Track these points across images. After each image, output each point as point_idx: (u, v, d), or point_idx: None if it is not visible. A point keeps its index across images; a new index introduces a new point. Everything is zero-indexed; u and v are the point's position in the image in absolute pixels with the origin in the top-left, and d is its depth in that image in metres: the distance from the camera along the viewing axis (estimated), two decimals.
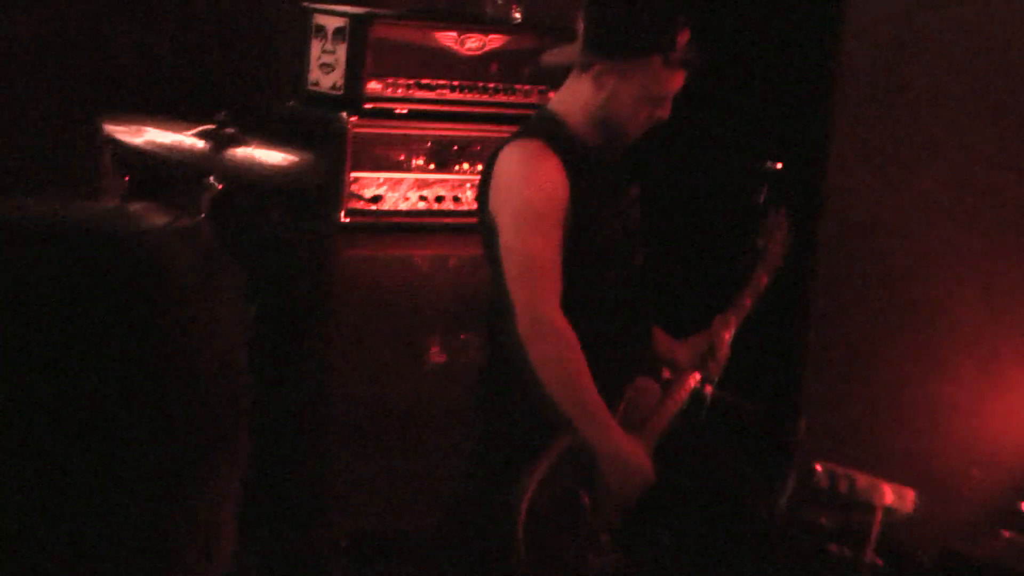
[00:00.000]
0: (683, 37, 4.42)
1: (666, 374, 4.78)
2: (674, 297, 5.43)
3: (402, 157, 5.75)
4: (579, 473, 4.42)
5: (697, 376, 4.75)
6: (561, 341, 4.29)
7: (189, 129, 4.91)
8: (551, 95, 4.99)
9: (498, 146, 4.55)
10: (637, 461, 4.39)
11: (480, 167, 5.54)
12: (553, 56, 4.87)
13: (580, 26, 4.55)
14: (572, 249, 4.42)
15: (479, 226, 4.61)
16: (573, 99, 4.53)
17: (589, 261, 4.51)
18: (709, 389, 5.11)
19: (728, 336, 4.76)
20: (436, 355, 5.82)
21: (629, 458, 4.38)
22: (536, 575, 4.45)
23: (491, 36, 5.93)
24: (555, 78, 5.60)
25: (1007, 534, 5.43)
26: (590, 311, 4.45)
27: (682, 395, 4.69)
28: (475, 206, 5.18)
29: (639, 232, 4.77)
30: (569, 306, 4.32)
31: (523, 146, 4.46)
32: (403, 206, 5.76)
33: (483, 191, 4.54)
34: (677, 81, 4.45)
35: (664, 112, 4.49)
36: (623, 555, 4.68)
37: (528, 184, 4.42)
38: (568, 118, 4.48)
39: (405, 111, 5.76)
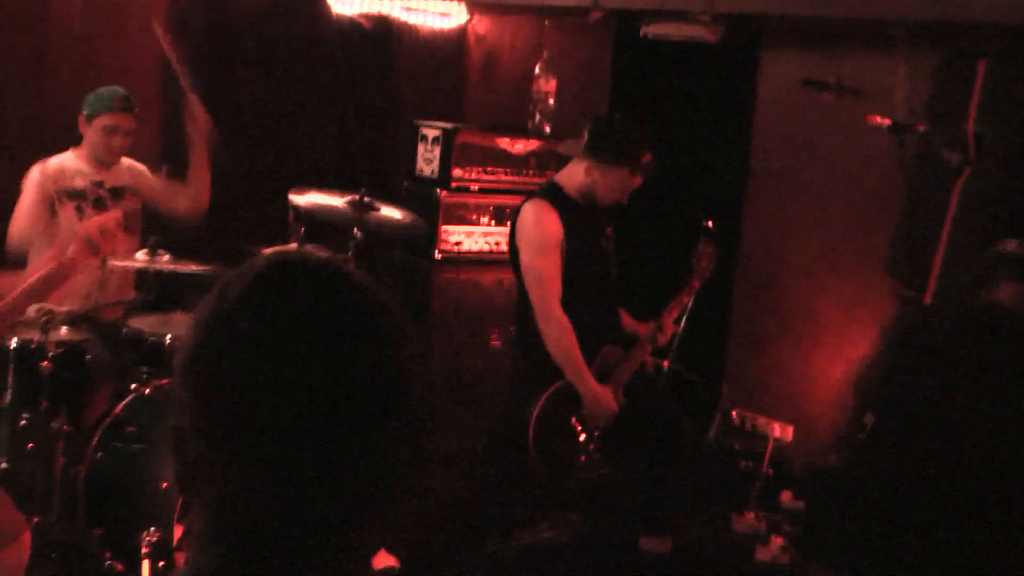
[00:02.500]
0: (645, 157, 5.25)
1: (641, 332, 5.50)
2: (637, 294, 5.81)
3: (474, 216, 6.76)
4: (571, 405, 5.23)
5: (648, 347, 5.52)
6: (560, 325, 5.15)
7: (342, 198, 5.58)
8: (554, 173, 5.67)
9: (521, 203, 5.38)
10: (605, 398, 5.23)
11: None
12: (564, 148, 5.56)
13: (583, 135, 5.31)
14: (568, 268, 5.24)
15: (509, 252, 5.42)
16: (570, 177, 5.34)
17: (578, 274, 5.28)
18: (667, 364, 6.00)
19: (671, 320, 5.54)
20: (494, 340, 6.78)
21: (599, 396, 5.22)
22: (541, 467, 5.29)
23: (531, 141, 6.89)
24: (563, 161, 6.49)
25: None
26: (579, 305, 5.25)
27: (638, 358, 5.47)
28: None
29: (612, 255, 5.53)
30: (566, 302, 5.19)
31: (535, 203, 5.28)
32: (475, 248, 6.78)
33: (512, 231, 5.37)
34: (636, 182, 5.29)
35: (624, 198, 5.34)
36: (602, 467, 5.53)
37: (537, 227, 5.23)
38: (565, 187, 5.32)
39: (476, 188, 6.76)
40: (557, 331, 5.18)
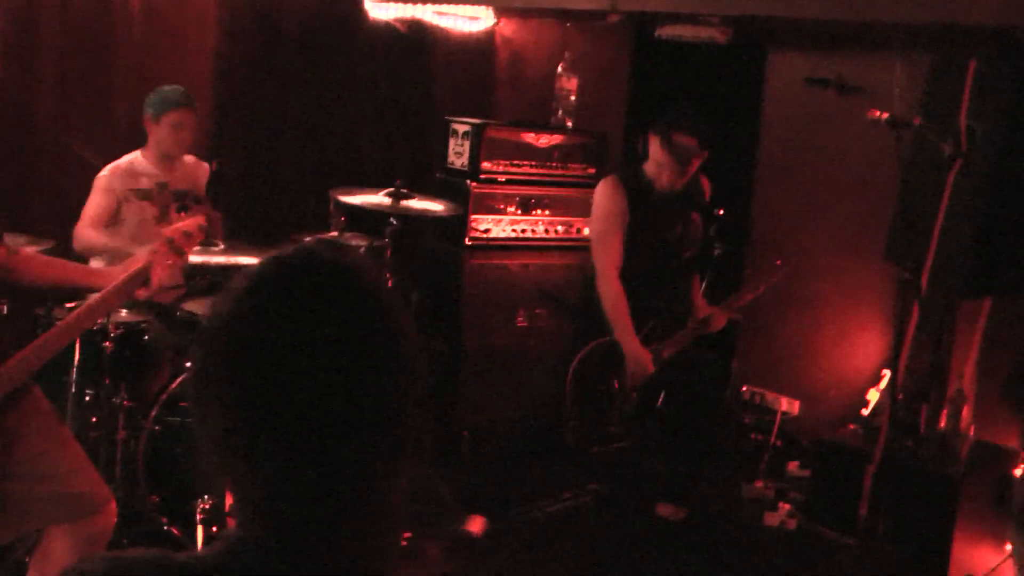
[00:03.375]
0: (681, 140, 5.35)
1: (700, 313, 5.57)
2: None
3: (502, 206, 6.79)
4: (612, 363, 5.36)
5: (694, 333, 5.57)
6: (613, 289, 5.38)
7: (380, 191, 5.68)
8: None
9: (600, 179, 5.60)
10: (645, 358, 5.35)
11: (547, 213, 6.80)
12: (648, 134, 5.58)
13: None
14: (629, 241, 5.44)
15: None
16: (648, 160, 5.48)
17: (639, 249, 5.46)
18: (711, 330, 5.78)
19: (726, 314, 5.64)
20: (521, 320, 6.81)
21: (640, 355, 5.34)
22: (576, 418, 5.39)
23: (554, 135, 6.91)
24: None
25: (852, 426, 6.03)
26: (636, 277, 5.44)
27: (683, 340, 5.53)
28: (546, 236, 6.68)
29: (691, 240, 5.63)
30: (624, 272, 5.39)
31: (606, 179, 5.56)
32: (502, 235, 6.80)
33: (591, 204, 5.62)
34: (679, 165, 5.38)
35: (675, 181, 5.43)
36: (629, 434, 5.60)
37: (602, 200, 5.50)
38: (645, 168, 5.48)
39: (504, 180, 6.79)
40: (610, 293, 5.41)
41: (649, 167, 5.51)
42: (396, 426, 1.44)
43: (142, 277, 3.69)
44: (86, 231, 5.43)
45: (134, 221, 5.52)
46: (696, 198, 5.69)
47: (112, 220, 5.50)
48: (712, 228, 5.68)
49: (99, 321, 4.63)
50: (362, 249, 5.96)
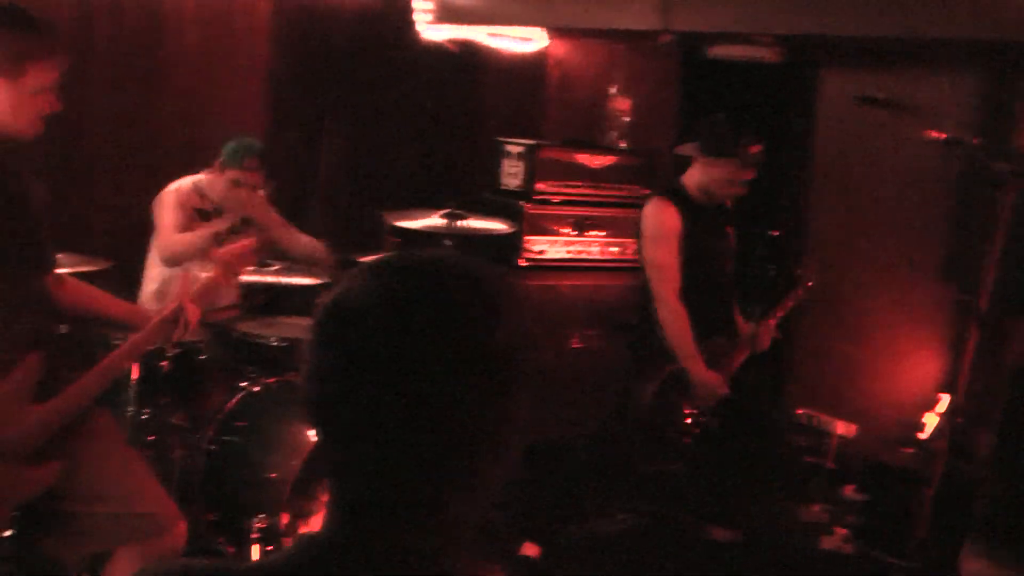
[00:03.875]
0: (752, 148, 5.34)
1: (744, 331, 5.54)
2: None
3: (556, 227, 6.78)
4: (681, 389, 5.29)
5: (748, 349, 5.55)
6: (676, 314, 5.26)
7: (432, 211, 5.69)
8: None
9: (646, 200, 5.48)
10: (715, 382, 5.27)
11: (601, 234, 6.80)
12: (682, 149, 5.53)
13: (697, 135, 5.40)
14: (686, 261, 5.34)
15: (637, 247, 5.53)
16: (690, 176, 5.42)
17: (695, 268, 5.37)
18: (759, 351, 5.76)
19: (772, 326, 5.60)
20: (576, 343, 6.82)
21: (709, 380, 5.26)
22: (649, 447, 5.39)
23: (608, 156, 6.97)
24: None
25: (909, 450, 5.99)
26: (695, 297, 5.35)
27: (740, 356, 5.52)
28: (600, 256, 6.68)
29: (730, 253, 5.61)
30: (683, 293, 5.29)
31: (656, 200, 5.42)
32: (556, 257, 6.80)
33: (638, 226, 5.47)
34: (747, 174, 5.36)
35: (740, 190, 5.40)
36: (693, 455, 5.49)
37: (656, 221, 5.36)
38: (687, 186, 5.42)
39: (558, 200, 6.81)
40: (673, 319, 5.30)
41: (692, 182, 5.45)
42: (485, 439, 1.45)
43: (175, 319, 3.73)
44: (173, 238, 5.48)
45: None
46: (729, 212, 5.65)
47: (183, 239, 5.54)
48: (766, 247, 5.88)
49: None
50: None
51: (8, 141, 3.36)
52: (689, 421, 5.41)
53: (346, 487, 1.47)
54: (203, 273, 4.89)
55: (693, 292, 5.38)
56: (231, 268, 4.02)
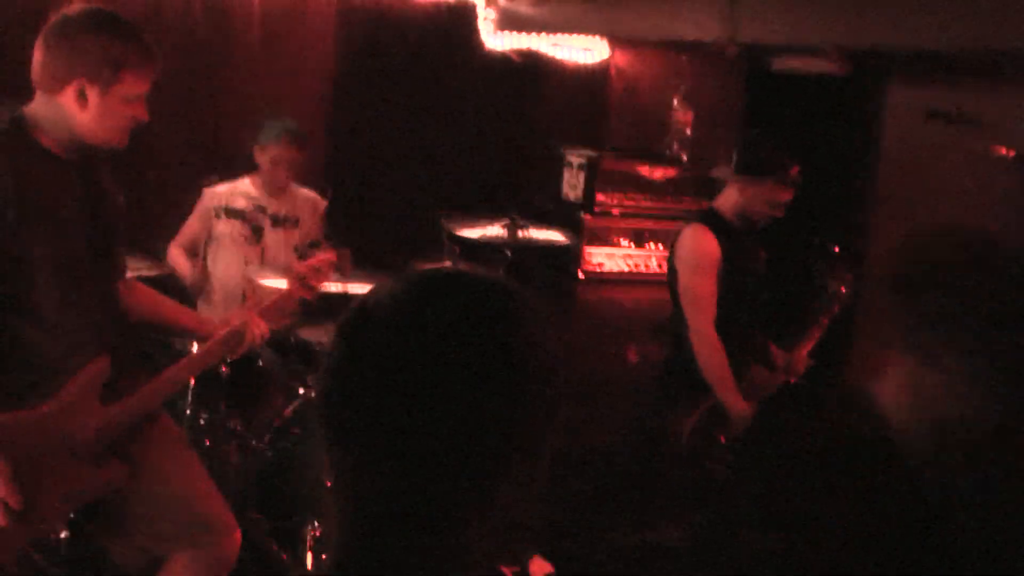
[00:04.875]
0: (792, 168, 5.12)
1: (778, 361, 5.35)
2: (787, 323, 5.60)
3: (615, 239, 6.80)
4: (717, 420, 5.12)
5: (783, 377, 5.35)
6: (713, 346, 5.05)
7: (494, 220, 5.75)
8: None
9: (681, 226, 5.29)
10: (750, 417, 5.06)
11: (661, 247, 6.72)
12: (717, 172, 5.41)
13: (733, 157, 5.21)
14: (723, 289, 5.13)
15: (668, 273, 5.31)
16: (726, 199, 5.22)
17: (732, 296, 5.17)
18: (793, 380, 5.59)
19: (805, 352, 5.39)
20: (633, 356, 6.71)
21: (747, 415, 5.06)
22: (686, 476, 5.23)
23: (669, 168, 6.95)
24: (711, 191, 6.44)
25: None
26: (731, 325, 5.17)
27: (776, 383, 5.31)
28: (659, 270, 6.36)
29: (765, 279, 5.41)
30: (719, 322, 5.10)
31: (694, 227, 5.18)
32: (615, 269, 6.82)
33: (672, 253, 5.28)
34: (787, 195, 5.14)
35: (779, 212, 5.18)
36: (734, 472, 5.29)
37: (695, 249, 5.14)
38: (722, 211, 5.20)
39: (618, 212, 6.84)
40: (710, 351, 5.10)
41: (728, 205, 5.27)
42: (502, 459, 1.42)
43: (239, 337, 3.74)
44: (173, 250, 5.64)
45: (225, 240, 5.67)
46: (761, 235, 5.49)
47: (206, 238, 5.66)
48: (828, 265, 5.52)
49: None
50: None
51: (94, 148, 3.39)
52: (725, 451, 5.24)
53: (353, 497, 1.45)
54: (272, 284, 4.95)
55: (729, 322, 5.20)
56: (307, 283, 4.02)
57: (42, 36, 3.29)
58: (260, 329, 3.78)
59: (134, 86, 3.31)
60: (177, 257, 5.63)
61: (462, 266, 1.41)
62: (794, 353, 5.40)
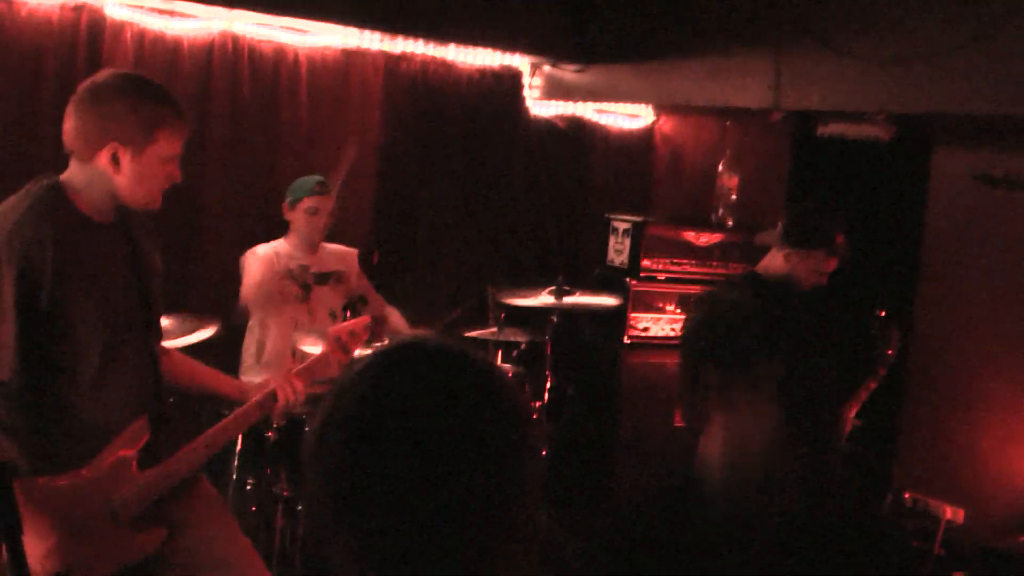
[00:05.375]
0: (839, 238, 5.07)
1: None
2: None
3: (661, 304, 6.85)
4: None
5: None
6: None
7: (542, 288, 5.85)
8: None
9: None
10: None
11: None
12: (761, 238, 5.39)
13: (779, 225, 5.13)
14: None
15: None
16: (769, 265, 5.14)
17: None
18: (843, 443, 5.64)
19: (852, 414, 5.36)
20: (678, 420, 6.73)
21: None
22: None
23: (715, 234, 6.98)
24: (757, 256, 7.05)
25: (1021, 537, 6.02)
26: None
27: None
28: None
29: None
30: None
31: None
32: (661, 334, 6.85)
33: None
34: (833, 264, 5.09)
35: (822, 280, 5.09)
36: None
37: None
38: (764, 275, 5.07)
39: (664, 278, 6.85)
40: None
41: (773, 271, 5.14)
42: (501, 518, 1.43)
43: (272, 399, 3.76)
44: (251, 300, 5.64)
45: (276, 299, 5.66)
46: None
47: (265, 292, 5.65)
48: (876, 328, 5.53)
49: None
50: (522, 345, 6.00)
51: (130, 211, 3.43)
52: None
53: (353, 565, 1.44)
54: (310, 346, 4.98)
55: None
56: (344, 345, 4.03)
57: (72, 103, 3.34)
58: (294, 389, 3.79)
59: (167, 147, 3.35)
60: (252, 298, 5.66)
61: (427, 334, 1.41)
62: (840, 415, 5.33)
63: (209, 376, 3.94)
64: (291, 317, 5.64)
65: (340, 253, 5.98)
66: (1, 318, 3.10)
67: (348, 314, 5.52)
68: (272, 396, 3.76)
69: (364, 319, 4.18)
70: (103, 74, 3.38)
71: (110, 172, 3.29)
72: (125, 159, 3.28)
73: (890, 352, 5.53)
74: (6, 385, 3.16)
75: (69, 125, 3.32)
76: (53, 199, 3.28)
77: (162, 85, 3.43)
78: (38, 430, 3.26)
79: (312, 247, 5.79)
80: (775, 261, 5.18)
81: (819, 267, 5.10)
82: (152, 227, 3.61)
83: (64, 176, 3.35)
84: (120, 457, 3.36)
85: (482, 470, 1.41)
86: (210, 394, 3.99)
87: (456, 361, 1.49)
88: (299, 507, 4.95)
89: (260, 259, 5.67)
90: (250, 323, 5.72)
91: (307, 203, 5.69)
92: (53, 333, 3.21)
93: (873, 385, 5.52)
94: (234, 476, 4.89)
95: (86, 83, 3.36)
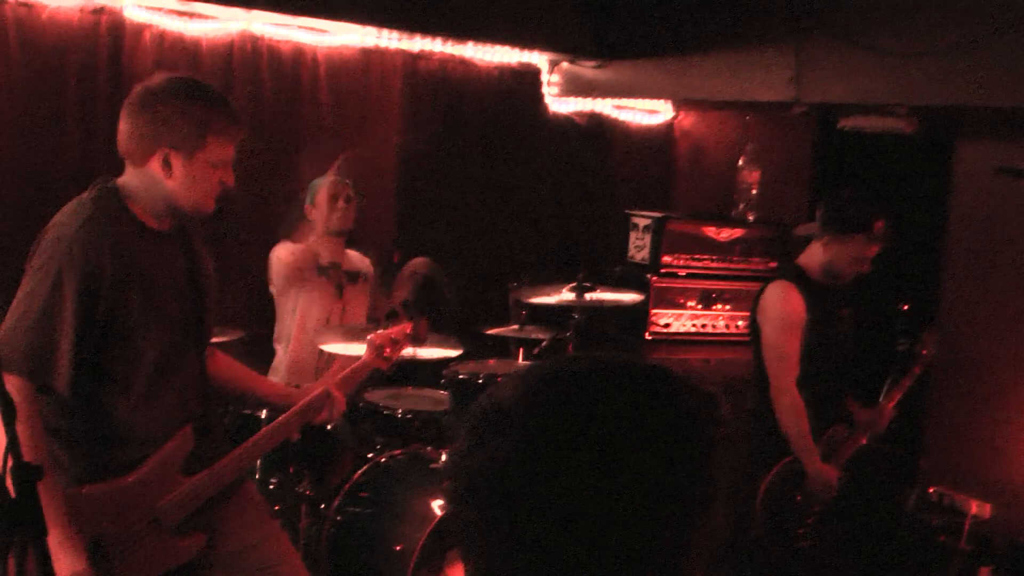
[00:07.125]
0: (879, 223, 5.06)
1: (859, 418, 5.28)
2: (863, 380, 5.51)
3: (682, 300, 6.82)
4: (796, 480, 5.09)
5: (867, 433, 5.30)
6: (795, 404, 5.00)
7: (563, 285, 5.76)
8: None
9: (765, 283, 5.25)
10: (828, 477, 5.05)
11: (728, 308, 6.77)
12: (802, 229, 5.55)
13: (818, 213, 5.17)
14: (806, 347, 5.08)
15: (749, 330, 5.32)
16: (811, 257, 5.19)
17: (815, 354, 5.11)
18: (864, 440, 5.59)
19: (890, 407, 5.34)
20: None
21: (823, 475, 5.04)
22: (765, 531, 5.11)
23: (736, 229, 6.96)
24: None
25: None
26: (813, 383, 5.10)
27: (858, 441, 5.28)
28: (726, 330, 6.55)
29: (848, 337, 5.31)
30: (801, 380, 5.05)
31: (779, 284, 5.15)
32: (682, 329, 6.84)
33: (754, 308, 5.24)
34: (874, 249, 5.09)
35: (866, 268, 5.13)
36: (816, 536, 5.24)
37: (781, 306, 5.09)
38: (807, 268, 5.17)
39: (685, 274, 6.83)
40: (790, 408, 5.06)
41: (815, 262, 5.22)
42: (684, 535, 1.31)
43: (317, 409, 3.80)
44: (283, 273, 5.54)
45: (314, 295, 5.58)
46: (847, 292, 5.40)
47: (299, 282, 5.56)
48: (899, 323, 5.48)
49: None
50: (544, 342, 5.98)
51: (184, 215, 3.42)
52: (803, 512, 5.19)
53: None
54: (348, 352, 4.94)
55: (812, 380, 5.14)
56: (383, 353, 4.03)
57: (125, 108, 3.32)
58: (339, 403, 3.82)
59: (219, 151, 3.33)
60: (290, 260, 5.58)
61: (589, 352, 1.27)
62: (878, 408, 5.35)
63: (252, 379, 3.96)
64: (325, 313, 5.58)
65: (359, 257, 5.93)
66: (60, 328, 3.09)
67: (386, 321, 5.41)
68: (317, 408, 3.77)
69: (405, 326, 4.17)
70: (156, 78, 3.37)
71: (162, 177, 3.28)
72: (176, 163, 3.27)
73: (925, 352, 5.51)
74: (60, 392, 3.15)
75: (122, 129, 3.31)
76: (112, 206, 3.27)
77: (215, 88, 3.40)
78: (88, 437, 3.27)
79: (340, 235, 5.68)
80: (815, 252, 5.21)
81: (860, 254, 5.12)
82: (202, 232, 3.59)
83: (120, 180, 3.34)
84: (166, 464, 3.36)
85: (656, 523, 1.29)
86: (253, 397, 4.01)
87: (648, 376, 1.35)
88: (322, 506, 4.94)
89: (290, 248, 5.60)
90: (279, 312, 5.65)
91: (326, 190, 5.62)
92: (109, 342, 3.20)
93: (909, 382, 5.49)
94: (257, 476, 4.89)
95: (139, 87, 3.34)
